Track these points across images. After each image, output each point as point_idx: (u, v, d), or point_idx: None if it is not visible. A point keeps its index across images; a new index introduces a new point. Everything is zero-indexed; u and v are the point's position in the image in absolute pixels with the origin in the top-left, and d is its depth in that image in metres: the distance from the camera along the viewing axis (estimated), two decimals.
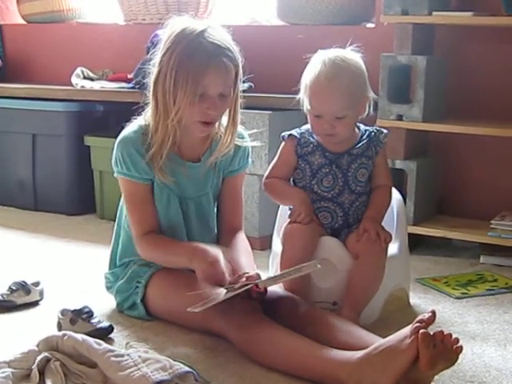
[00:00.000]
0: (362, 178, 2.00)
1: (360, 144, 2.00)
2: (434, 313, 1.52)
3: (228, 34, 1.88)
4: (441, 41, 2.86)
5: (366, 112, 1.97)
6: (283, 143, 2.03)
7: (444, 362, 1.48)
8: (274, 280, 1.73)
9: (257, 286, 1.69)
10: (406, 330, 1.50)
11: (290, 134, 2.01)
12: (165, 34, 1.89)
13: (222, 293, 1.72)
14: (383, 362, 1.47)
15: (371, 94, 1.98)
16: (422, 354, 1.44)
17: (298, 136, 2.00)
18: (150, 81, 1.89)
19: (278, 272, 1.80)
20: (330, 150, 1.98)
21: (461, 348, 1.49)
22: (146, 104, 1.95)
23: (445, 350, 1.47)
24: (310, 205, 1.97)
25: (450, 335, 1.49)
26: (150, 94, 1.90)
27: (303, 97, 1.96)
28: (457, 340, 1.49)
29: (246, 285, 1.70)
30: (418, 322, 1.49)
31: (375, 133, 2.02)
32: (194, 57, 1.82)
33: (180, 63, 1.82)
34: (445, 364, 1.48)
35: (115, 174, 1.97)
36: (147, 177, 1.93)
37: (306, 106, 1.94)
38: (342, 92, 1.88)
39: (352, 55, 1.94)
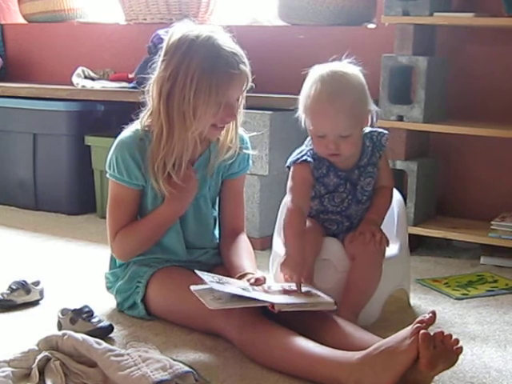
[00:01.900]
0: (368, 187, 1.97)
1: (365, 153, 1.95)
2: (434, 313, 1.52)
3: (230, 38, 1.87)
4: (442, 41, 2.86)
5: (369, 123, 1.92)
6: (295, 168, 1.92)
7: (444, 362, 1.48)
8: (290, 306, 1.71)
9: (273, 306, 1.68)
10: (406, 331, 1.50)
11: (304, 160, 1.90)
12: (170, 43, 1.85)
13: (231, 293, 1.73)
14: (383, 362, 1.47)
15: (373, 107, 1.91)
16: (422, 354, 1.44)
17: (312, 160, 1.90)
18: (156, 92, 1.85)
19: (293, 296, 1.78)
20: (340, 167, 1.92)
21: (461, 349, 1.49)
22: (144, 107, 1.94)
23: (445, 350, 1.47)
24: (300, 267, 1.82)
25: (450, 336, 1.49)
26: (156, 106, 1.86)
27: (302, 115, 1.88)
28: (457, 341, 1.49)
29: (262, 300, 1.70)
30: (418, 322, 1.50)
31: (376, 136, 1.97)
32: (215, 68, 1.80)
33: (201, 76, 1.79)
34: (445, 365, 1.49)
35: (107, 175, 1.97)
36: (137, 182, 1.93)
37: (308, 126, 1.88)
38: (346, 111, 1.80)
39: (351, 69, 1.86)
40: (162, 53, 1.88)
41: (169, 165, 1.88)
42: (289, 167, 1.95)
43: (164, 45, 1.88)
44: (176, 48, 1.84)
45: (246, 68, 1.85)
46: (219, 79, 1.80)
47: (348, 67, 1.87)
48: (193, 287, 1.74)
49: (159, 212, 1.94)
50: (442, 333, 1.48)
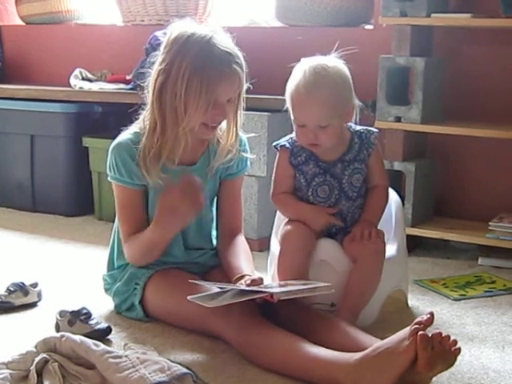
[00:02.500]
0: (357, 184, 1.97)
1: (352, 149, 1.96)
2: (432, 314, 1.52)
3: (230, 39, 1.88)
4: (439, 42, 2.86)
5: (353, 119, 1.94)
6: (278, 154, 2.00)
7: (442, 363, 1.48)
8: (287, 294, 1.71)
9: (271, 296, 1.68)
10: (405, 332, 1.50)
11: (283, 145, 1.97)
12: (169, 39, 1.86)
13: (229, 292, 1.72)
14: (381, 363, 1.48)
15: (357, 102, 1.92)
16: (420, 355, 1.44)
17: (290, 147, 1.96)
18: (152, 86, 1.86)
19: (289, 287, 1.78)
20: (322, 158, 1.95)
21: (459, 350, 1.49)
22: (144, 106, 1.94)
23: (443, 351, 1.47)
24: (324, 213, 1.95)
25: (448, 337, 1.49)
26: (151, 100, 1.88)
27: (288, 106, 1.93)
28: (455, 342, 1.49)
29: (260, 291, 1.70)
30: (416, 323, 1.50)
31: (366, 134, 1.98)
32: (206, 66, 1.80)
33: (192, 72, 1.80)
34: (443, 366, 1.49)
35: (108, 178, 1.97)
36: (139, 182, 1.93)
37: (291, 116, 1.92)
38: (323, 102, 1.84)
39: (334, 63, 1.90)
40: (161, 47, 1.89)
41: (161, 159, 1.88)
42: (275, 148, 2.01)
43: (164, 40, 1.90)
44: (173, 44, 1.85)
45: (240, 69, 1.85)
46: (210, 76, 1.81)
47: (332, 61, 1.90)
48: (190, 297, 1.73)
49: (155, 234, 1.89)
50: (440, 334, 1.48)
